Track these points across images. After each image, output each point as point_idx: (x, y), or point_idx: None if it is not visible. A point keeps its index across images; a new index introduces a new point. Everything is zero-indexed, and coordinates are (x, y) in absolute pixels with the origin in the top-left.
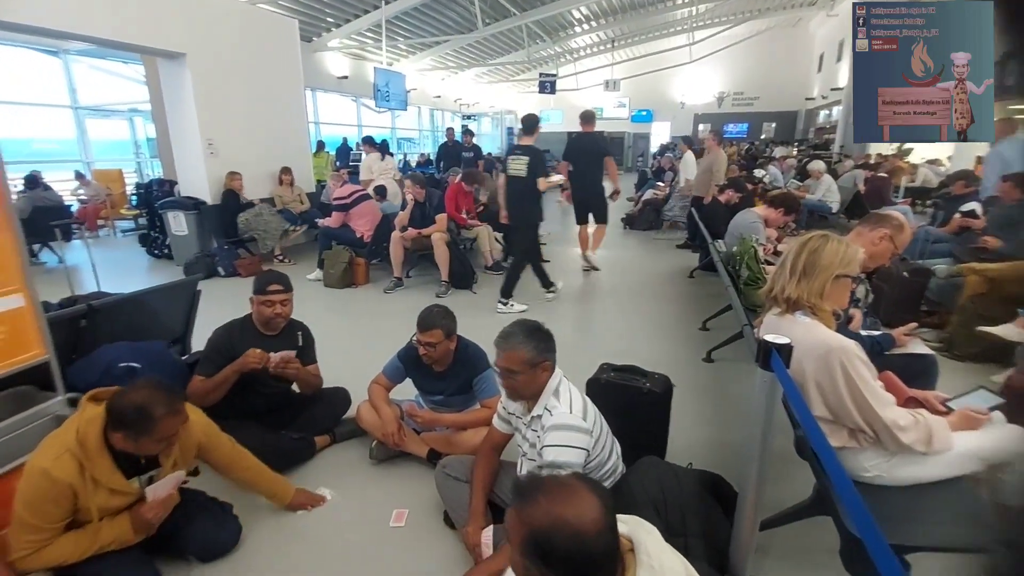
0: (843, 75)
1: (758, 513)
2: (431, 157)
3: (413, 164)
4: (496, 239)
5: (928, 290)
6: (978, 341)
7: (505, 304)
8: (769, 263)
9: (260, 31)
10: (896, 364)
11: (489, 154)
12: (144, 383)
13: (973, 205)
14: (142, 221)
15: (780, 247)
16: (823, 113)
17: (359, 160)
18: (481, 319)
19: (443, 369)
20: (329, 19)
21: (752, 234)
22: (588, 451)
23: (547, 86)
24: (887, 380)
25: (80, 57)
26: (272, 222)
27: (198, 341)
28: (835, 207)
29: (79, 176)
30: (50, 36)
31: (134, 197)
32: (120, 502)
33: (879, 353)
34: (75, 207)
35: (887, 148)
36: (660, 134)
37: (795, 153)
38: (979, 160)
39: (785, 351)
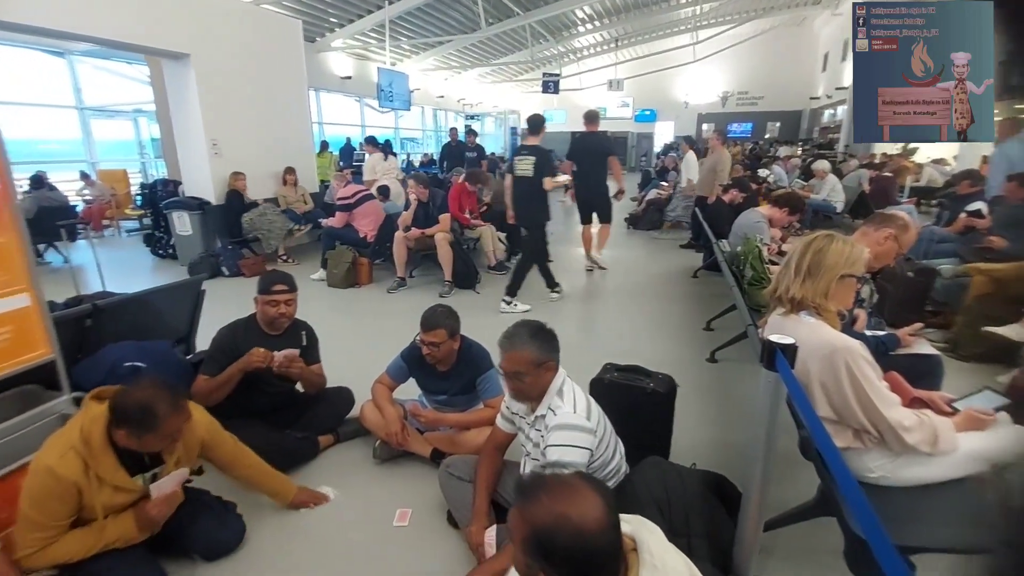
0: (848, 74)
1: (762, 514)
2: (434, 157)
3: (416, 164)
4: (500, 239)
5: (934, 290)
6: (984, 341)
7: (509, 304)
8: (773, 263)
9: (264, 31)
10: (901, 364)
11: (492, 154)
12: (147, 381)
13: (979, 205)
14: (147, 221)
15: (784, 247)
16: (828, 112)
17: (362, 160)
18: (484, 319)
19: (447, 369)
20: (332, 19)
21: (756, 234)
22: (592, 451)
23: (550, 86)
24: (892, 380)
25: (85, 58)
26: (276, 222)
27: (202, 341)
28: (839, 207)
29: (84, 176)
30: (55, 37)
31: (139, 197)
32: (124, 499)
33: (884, 353)
34: (80, 207)
35: (892, 147)
36: (664, 134)
37: (799, 153)
38: (984, 159)
39: (790, 351)
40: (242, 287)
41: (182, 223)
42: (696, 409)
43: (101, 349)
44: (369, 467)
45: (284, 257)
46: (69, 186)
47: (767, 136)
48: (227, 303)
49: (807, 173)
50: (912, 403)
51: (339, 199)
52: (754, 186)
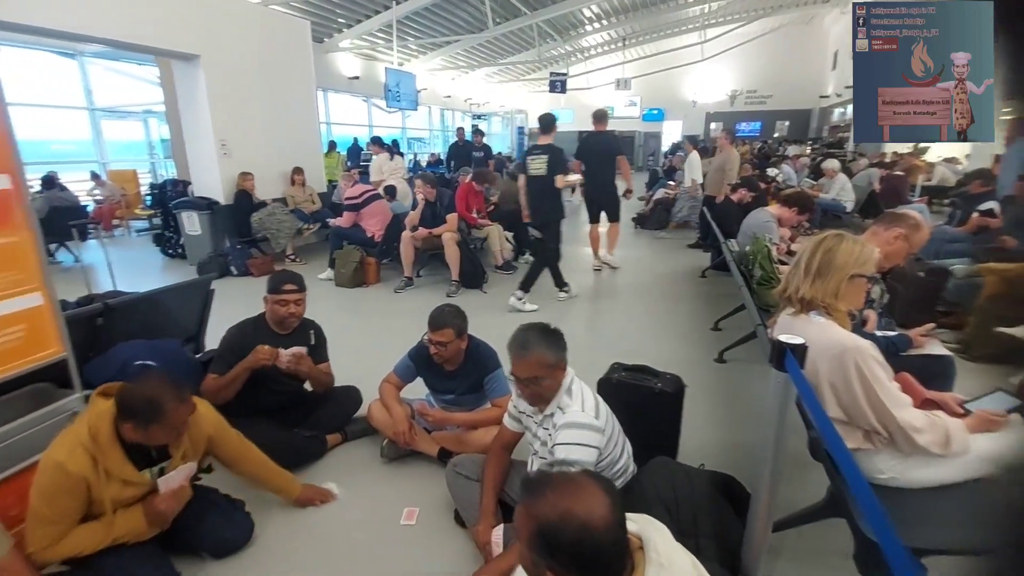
0: None
1: (771, 514)
2: (441, 157)
3: (424, 164)
4: (507, 239)
5: (945, 290)
6: (996, 342)
7: (520, 300)
8: (782, 263)
9: (273, 32)
10: (913, 365)
11: (499, 153)
12: (152, 375)
13: (991, 204)
14: (156, 221)
15: (794, 247)
16: (837, 111)
17: (370, 160)
18: (492, 318)
19: (454, 368)
20: (340, 20)
21: (765, 233)
22: (600, 449)
23: (558, 85)
24: (904, 381)
25: (96, 59)
26: (286, 221)
27: (211, 340)
28: (849, 206)
29: (95, 176)
30: (67, 38)
31: (148, 197)
32: (133, 494)
33: (895, 354)
34: (91, 207)
35: (904, 146)
36: (671, 133)
37: (809, 152)
38: (997, 159)
39: (800, 351)
40: (250, 286)
41: (191, 223)
42: (704, 409)
43: (112, 348)
44: (376, 466)
45: (292, 257)
46: (80, 186)
47: (776, 135)
48: (235, 302)
49: (816, 172)
50: (924, 404)
51: (347, 199)
52: (763, 185)
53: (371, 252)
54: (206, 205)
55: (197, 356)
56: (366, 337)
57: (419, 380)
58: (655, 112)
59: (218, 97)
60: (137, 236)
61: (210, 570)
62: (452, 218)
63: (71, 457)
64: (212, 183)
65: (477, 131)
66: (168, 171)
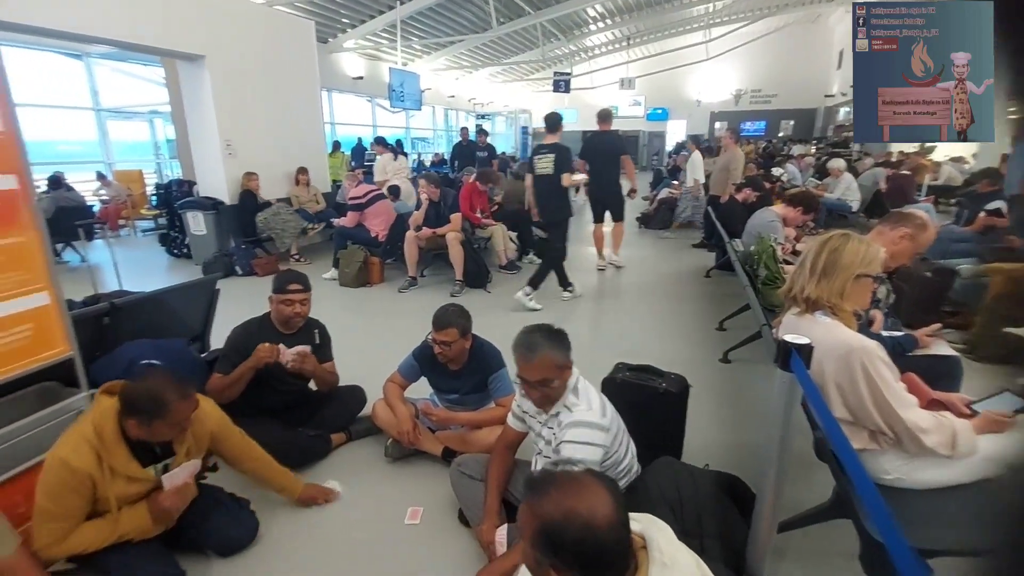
0: None
1: (776, 515)
2: (445, 157)
3: (427, 164)
4: (511, 238)
5: (952, 290)
6: (1003, 343)
7: (528, 295)
8: (787, 262)
9: (277, 33)
10: (920, 365)
11: (503, 153)
12: (154, 372)
13: (998, 203)
14: (162, 221)
15: (799, 246)
16: (843, 110)
17: (374, 160)
18: (496, 318)
19: (458, 368)
20: (344, 20)
21: (770, 233)
22: (606, 448)
23: (561, 85)
24: (910, 382)
25: (102, 60)
26: (291, 221)
27: (217, 339)
28: (855, 206)
29: (101, 177)
30: (73, 39)
31: (154, 197)
32: (138, 490)
33: (901, 354)
34: (97, 207)
35: (910, 146)
36: (676, 132)
37: (814, 151)
38: (1004, 158)
39: (805, 351)
40: (255, 286)
41: (196, 223)
42: (709, 409)
43: (118, 347)
44: (381, 465)
45: (296, 256)
46: (86, 186)
47: (781, 134)
48: (240, 302)
49: (822, 172)
50: (930, 405)
51: (351, 199)
52: (768, 185)
53: (375, 252)
54: (211, 205)
55: (202, 355)
56: (370, 337)
57: (423, 380)
58: (659, 111)
59: (223, 97)
60: (143, 236)
61: (215, 568)
62: (456, 218)
63: (76, 454)
64: (217, 183)
65: (481, 131)
66: (173, 171)
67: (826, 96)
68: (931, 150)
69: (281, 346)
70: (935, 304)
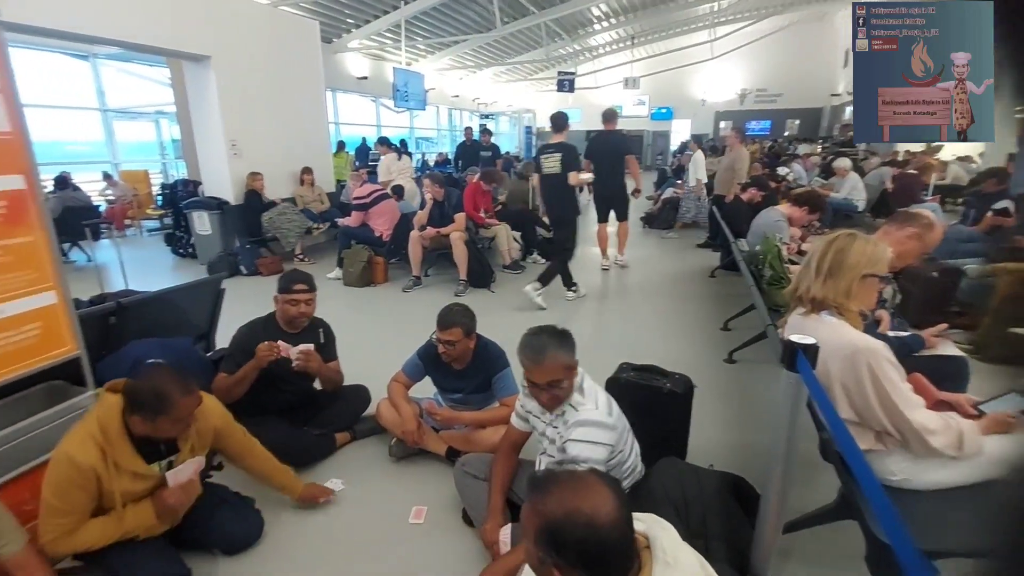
0: None
1: (781, 516)
2: (449, 156)
3: (431, 163)
4: (515, 238)
5: (959, 290)
6: (1010, 343)
7: (537, 290)
8: (793, 262)
9: (282, 33)
10: (926, 366)
11: (507, 153)
12: (158, 369)
13: (1005, 203)
14: (167, 221)
15: (804, 246)
16: (848, 110)
17: (378, 160)
18: (500, 318)
19: (462, 367)
20: (349, 20)
21: (776, 233)
22: (612, 447)
23: (565, 84)
24: (916, 382)
25: (108, 61)
26: (296, 221)
27: (222, 338)
28: (861, 205)
29: (107, 177)
30: (80, 40)
31: (160, 197)
32: (142, 487)
33: (908, 355)
34: (103, 207)
35: (916, 145)
36: (680, 132)
37: (819, 150)
38: (1011, 157)
39: (811, 352)
40: (260, 286)
41: (202, 223)
42: (713, 410)
43: (124, 346)
44: (385, 465)
45: (301, 256)
46: (92, 186)
47: (786, 134)
48: (245, 301)
49: (827, 171)
50: (937, 405)
51: (355, 199)
52: (773, 184)
53: (379, 251)
54: (216, 205)
55: (208, 354)
56: (374, 336)
57: (427, 379)
58: (664, 111)
59: (228, 98)
60: (148, 236)
61: (221, 566)
62: (460, 217)
63: (81, 450)
64: (222, 183)
65: (485, 130)
66: (179, 171)
67: (832, 95)
68: (938, 149)
69: (280, 342)
70: (942, 304)
